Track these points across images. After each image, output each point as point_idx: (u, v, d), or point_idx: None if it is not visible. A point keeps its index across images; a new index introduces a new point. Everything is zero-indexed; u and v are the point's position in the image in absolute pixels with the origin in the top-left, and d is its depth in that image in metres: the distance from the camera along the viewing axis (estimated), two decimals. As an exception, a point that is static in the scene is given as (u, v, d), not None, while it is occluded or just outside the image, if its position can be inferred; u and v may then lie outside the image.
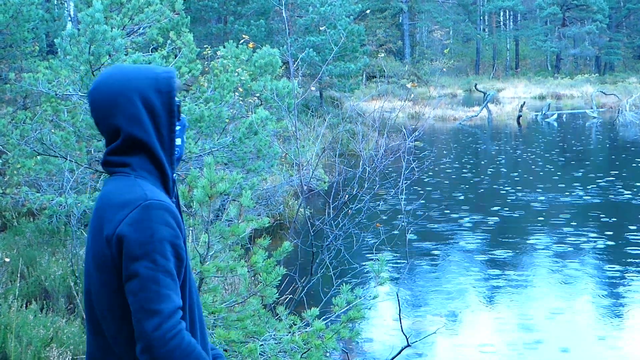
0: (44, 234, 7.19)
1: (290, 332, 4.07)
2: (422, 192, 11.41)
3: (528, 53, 58.00)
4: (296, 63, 10.50)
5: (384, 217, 7.31)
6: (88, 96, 1.78)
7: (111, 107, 1.72)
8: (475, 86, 33.11)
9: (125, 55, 6.72)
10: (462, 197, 12.13)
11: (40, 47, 12.15)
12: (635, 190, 12.28)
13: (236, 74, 7.92)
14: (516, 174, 14.95)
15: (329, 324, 4.22)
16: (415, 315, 6.57)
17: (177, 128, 1.82)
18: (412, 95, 28.55)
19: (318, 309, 4.11)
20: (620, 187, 12.73)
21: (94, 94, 1.76)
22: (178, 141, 1.84)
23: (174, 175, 1.83)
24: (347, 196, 5.78)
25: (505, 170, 15.59)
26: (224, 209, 4.34)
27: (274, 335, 4.03)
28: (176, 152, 1.83)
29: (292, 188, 9.90)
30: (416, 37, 50.75)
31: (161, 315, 1.60)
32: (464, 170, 15.39)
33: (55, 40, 6.96)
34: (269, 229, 6.79)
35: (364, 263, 6.65)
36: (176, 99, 1.80)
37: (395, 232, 7.22)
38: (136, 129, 1.72)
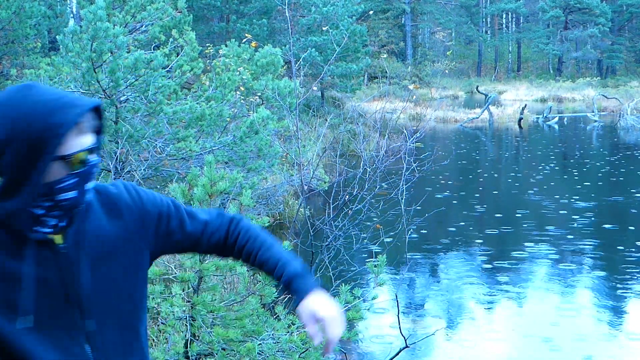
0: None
1: (288, 332, 4.07)
2: (422, 193, 11.41)
3: (530, 56, 58.00)
4: (298, 63, 10.49)
5: (384, 219, 7.31)
6: None
7: None
8: (477, 88, 33.10)
9: (127, 52, 6.72)
10: (462, 199, 12.13)
11: (42, 43, 12.17)
12: (635, 194, 12.27)
13: (238, 72, 7.93)
14: (517, 177, 14.94)
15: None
16: (414, 316, 6.57)
17: (71, 181, 1.50)
18: (414, 97, 28.56)
19: (317, 309, 4.09)
20: (621, 190, 12.72)
21: None
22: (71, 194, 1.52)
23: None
24: (347, 196, 5.78)
25: (505, 173, 15.59)
26: (224, 207, 4.34)
27: (272, 334, 4.02)
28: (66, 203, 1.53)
29: (292, 188, 9.89)
30: (418, 39, 50.71)
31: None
32: (464, 172, 15.38)
33: (57, 37, 6.96)
34: (269, 228, 6.78)
35: (363, 264, 6.65)
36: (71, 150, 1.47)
37: (395, 233, 7.22)
38: None
